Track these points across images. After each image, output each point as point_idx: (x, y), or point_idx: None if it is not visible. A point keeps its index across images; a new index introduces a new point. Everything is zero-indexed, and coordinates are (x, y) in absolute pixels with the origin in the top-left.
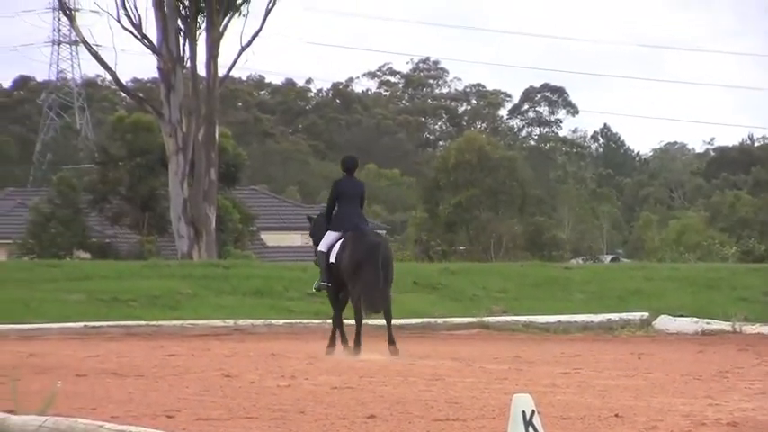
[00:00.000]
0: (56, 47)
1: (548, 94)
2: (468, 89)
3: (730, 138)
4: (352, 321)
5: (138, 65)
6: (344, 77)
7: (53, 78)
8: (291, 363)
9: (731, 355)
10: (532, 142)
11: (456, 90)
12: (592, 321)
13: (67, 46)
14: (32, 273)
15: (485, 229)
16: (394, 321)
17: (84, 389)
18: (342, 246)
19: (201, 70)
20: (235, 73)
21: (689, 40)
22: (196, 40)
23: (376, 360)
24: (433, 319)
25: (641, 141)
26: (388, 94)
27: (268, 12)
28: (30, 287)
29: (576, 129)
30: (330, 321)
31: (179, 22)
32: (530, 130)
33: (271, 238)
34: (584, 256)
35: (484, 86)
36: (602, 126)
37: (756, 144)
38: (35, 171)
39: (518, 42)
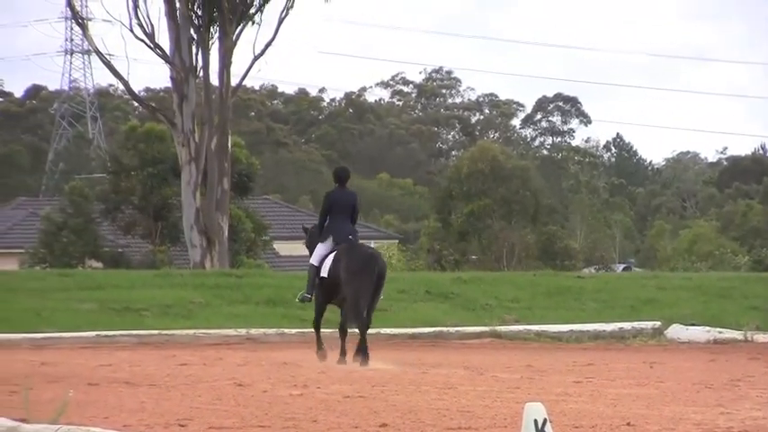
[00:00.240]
0: (68, 56)
1: (561, 103)
2: (480, 99)
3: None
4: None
5: (151, 74)
6: (357, 87)
7: (66, 87)
8: (304, 372)
9: (743, 364)
10: (545, 152)
11: (469, 100)
12: (604, 330)
13: (80, 55)
14: (44, 282)
15: (497, 239)
16: (406, 330)
17: (96, 398)
18: (335, 258)
19: (214, 79)
20: (248, 82)
21: (701, 50)
22: (209, 50)
23: (388, 369)
24: (445, 329)
25: (654, 151)
26: (400, 103)
27: (281, 21)
28: (42, 296)
29: (588, 138)
30: (336, 331)
31: (192, 31)
32: (542, 139)
33: (283, 248)
34: (596, 266)
35: (497, 96)
36: (614, 135)
37: None
38: (47, 180)
39: (531, 52)
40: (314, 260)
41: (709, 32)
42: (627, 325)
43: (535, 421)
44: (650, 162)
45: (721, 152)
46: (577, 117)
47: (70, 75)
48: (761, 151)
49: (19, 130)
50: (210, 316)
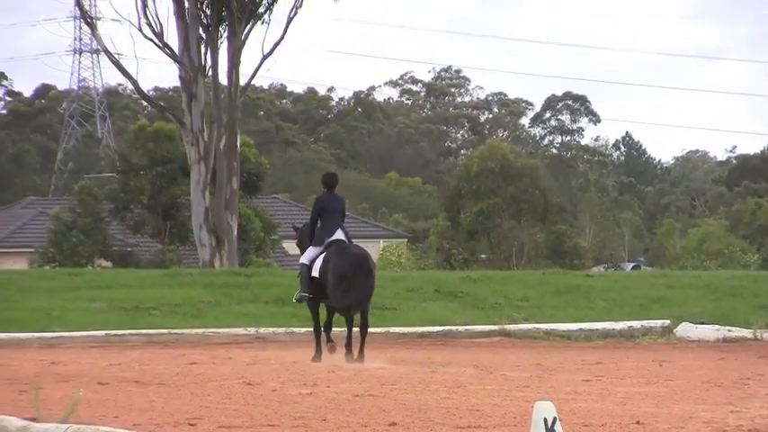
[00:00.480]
0: (77, 56)
1: (570, 102)
2: (489, 98)
3: (752, 146)
4: (343, 327)
5: (160, 73)
6: (366, 86)
7: (74, 87)
8: (313, 370)
9: (752, 363)
10: (554, 150)
11: (478, 98)
12: (613, 329)
13: (89, 55)
14: (54, 281)
15: (506, 238)
16: (415, 329)
17: (106, 397)
18: (325, 259)
19: (223, 79)
20: (256, 81)
21: (710, 49)
22: (218, 49)
23: (397, 369)
24: (454, 327)
25: (663, 149)
26: (409, 102)
27: (290, 20)
28: (51, 296)
29: (597, 137)
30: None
31: (201, 30)
32: (551, 138)
33: (292, 247)
34: (605, 264)
35: (506, 95)
36: (623, 134)
37: None
38: (56, 180)
39: (540, 51)
40: (305, 259)
41: (718, 31)
42: (636, 323)
43: (545, 420)
44: (659, 161)
45: (730, 151)
46: (586, 116)
47: (79, 74)
48: None
49: (28, 129)
50: (220, 315)
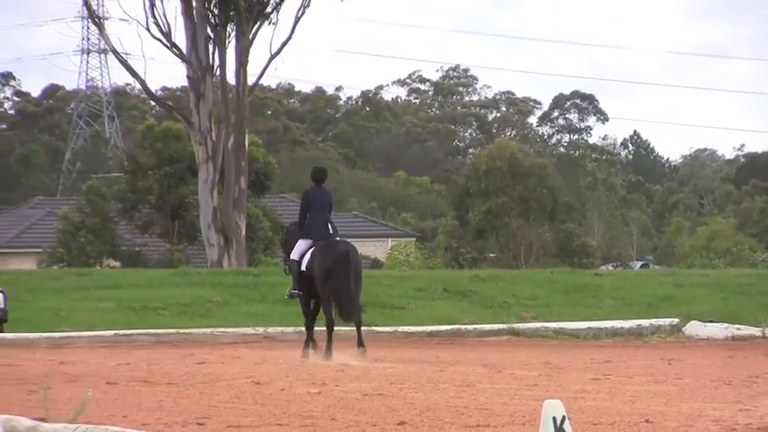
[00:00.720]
0: (85, 55)
1: (578, 101)
2: (497, 96)
3: (760, 144)
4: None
5: (168, 73)
6: (374, 85)
7: (82, 87)
8: (322, 370)
9: (761, 361)
10: (562, 149)
11: (486, 97)
12: (622, 327)
13: (97, 54)
14: (62, 281)
15: (515, 236)
16: (424, 328)
17: (114, 397)
18: (312, 254)
19: (231, 78)
20: (264, 81)
21: (718, 48)
22: (226, 48)
23: (406, 368)
24: (463, 326)
25: (671, 148)
26: (417, 101)
27: (297, 20)
28: (60, 296)
29: (605, 136)
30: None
31: (208, 30)
32: (560, 137)
33: None
34: (613, 263)
35: (514, 94)
36: (631, 133)
37: None
38: (64, 180)
39: (548, 50)
40: (294, 255)
41: (726, 30)
42: (645, 322)
43: (554, 418)
44: (667, 159)
45: (738, 149)
46: (594, 114)
47: (87, 74)
48: None
49: (36, 129)
50: (228, 314)
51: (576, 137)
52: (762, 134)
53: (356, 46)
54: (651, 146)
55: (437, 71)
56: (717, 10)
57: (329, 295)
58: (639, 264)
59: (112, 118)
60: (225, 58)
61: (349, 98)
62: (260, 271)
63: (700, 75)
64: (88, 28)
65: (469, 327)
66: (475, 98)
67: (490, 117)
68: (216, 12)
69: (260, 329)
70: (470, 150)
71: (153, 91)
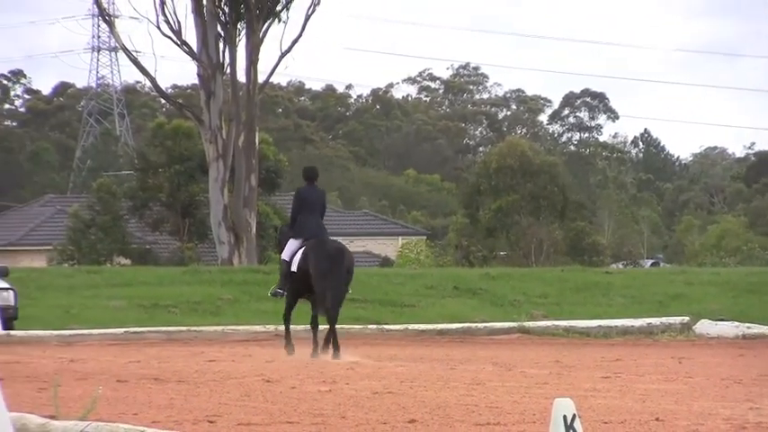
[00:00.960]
0: (95, 53)
1: (588, 99)
2: (508, 95)
3: None
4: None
5: (178, 71)
6: (384, 83)
7: (93, 85)
8: (332, 368)
9: None
10: (573, 147)
11: (496, 95)
12: (632, 326)
13: (107, 52)
14: (73, 279)
15: (525, 235)
16: (434, 326)
17: (125, 394)
18: (304, 254)
19: (241, 76)
20: (275, 79)
21: (729, 45)
22: (236, 46)
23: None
24: (473, 324)
25: (681, 146)
26: (428, 99)
27: (308, 18)
28: (70, 293)
29: (616, 134)
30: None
31: (219, 28)
32: (570, 135)
33: None
34: (624, 261)
35: (524, 92)
36: (642, 131)
37: None
38: (75, 177)
39: (558, 48)
40: (285, 255)
41: (737, 28)
42: (655, 320)
43: (564, 417)
44: (678, 157)
45: (749, 147)
46: (605, 113)
47: (97, 72)
48: None
49: (47, 127)
50: (239, 312)
51: (587, 135)
52: None
53: (366, 44)
54: (661, 144)
55: (447, 69)
56: (727, 8)
57: (323, 290)
58: (650, 262)
59: (123, 116)
60: (235, 56)
61: (359, 96)
62: (270, 269)
63: (711, 73)
64: (99, 26)
65: (480, 325)
66: (485, 96)
67: (501, 115)
68: (226, 10)
69: (270, 327)
70: (481, 148)
71: (163, 89)
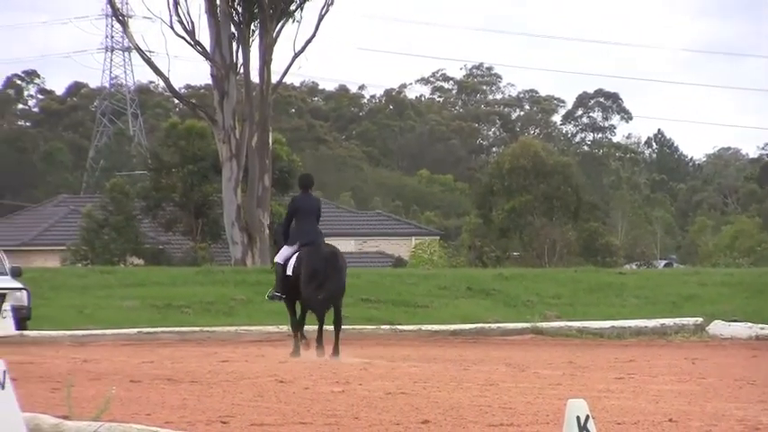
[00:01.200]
0: (109, 53)
1: (601, 99)
2: (521, 95)
3: None
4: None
5: (192, 71)
6: (397, 84)
7: (106, 85)
8: (345, 368)
9: None
10: (586, 148)
11: (509, 96)
12: (646, 326)
13: (120, 52)
14: (86, 279)
15: (538, 235)
16: (448, 327)
17: (138, 395)
18: (298, 258)
19: (255, 76)
20: (288, 79)
21: (742, 46)
22: (249, 47)
23: (429, 366)
24: (486, 325)
25: (695, 147)
26: (441, 100)
27: (321, 18)
28: (84, 293)
29: (629, 134)
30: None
31: (232, 28)
32: (583, 135)
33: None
34: (637, 262)
35: (537, 92)
36: (655, 131)
37: None
38: (88, 177)
39: (572, 48)
40: (279, 258)
41: (751, 28)
42: (668, 321)
43: (578, 418)
44: (691, 158)
45: (762, 148)
46: (618, 113)
47: (111, 72)
48: None
49: (60, 127)
50: (252, 313)
51: (600, 135)
52: None
53: (380, 44)
54: (675, 144)
55: (461, 69)
56: (740, 7)
57: (315, 291)
58: (663, 263)
59: (136, 116)
60: (249, 56)
61: (372, 96)
62: None
63: (723, 73)
64: (112, 26)
65: (493, 325)
66: (498, 96)
67: (514, 115)
68: (240, 10)
69: (283, 328)
70: (494, 149)
71: (177, 89)
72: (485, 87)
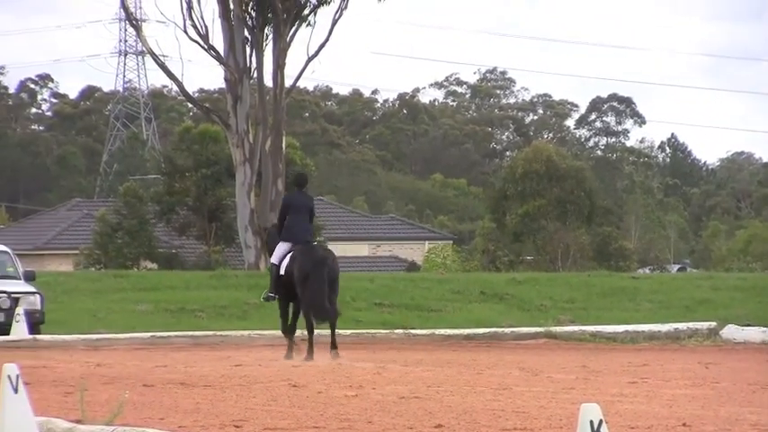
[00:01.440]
0: (122, 57)
1: (615, 104)
2: (535, 99)
3: None
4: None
5: (205, 75)
6: (411, 88)
7: (120, 89)
8: (358, 372)
9: None
10: (599, 152)
11: (523, 100)
12: (659, 331)
13: (134, 56)
14: (100, 283)
15: (552, 240)
16: (461, 331)
17: (151, 399)
18: (291, 258)
19: (268, 81)
20: (301, 83)
21: (756, 50)
22: (263, 51)
23: (443, 370)
24: (500, 329)
25: (708, 151)
26: (454, 104)
27: (335, 22)
28: (97, 298)
29: (643, 139)
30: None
31: (246, 32)
32: (597, 140)
33: (338, 249)
34: (651, 266)
35: (551, 96)
36: (669, 136)
37: None
38: (102, 182)
39: (585, 52)
40: (274, 259)
41: (764, 32)
42: (682, 325)
43: (591, 422)
44: (705, 162)
45: None
46: (632, 117)
47: (124, 76)
48: None
49: (73, 131)
50: (265, 317)
51: (614, 140)
52: None
53: (393, 48)
54: (688, 149)
55: (474, 73)
56: (753, 12)
57: (307, 298)
58: (677, 267)
59: (150, 120)
60: (262, 61)
61: (386, 100)
62: None
63: (737, 77)
64: (126, 30)
65: (506, 330)
66: (512, 101)
67: (527, 120)
68: (253, 14)
69: (297, 332)
70: (507, 153)
71: (190, 93)
72: (498, 91)
